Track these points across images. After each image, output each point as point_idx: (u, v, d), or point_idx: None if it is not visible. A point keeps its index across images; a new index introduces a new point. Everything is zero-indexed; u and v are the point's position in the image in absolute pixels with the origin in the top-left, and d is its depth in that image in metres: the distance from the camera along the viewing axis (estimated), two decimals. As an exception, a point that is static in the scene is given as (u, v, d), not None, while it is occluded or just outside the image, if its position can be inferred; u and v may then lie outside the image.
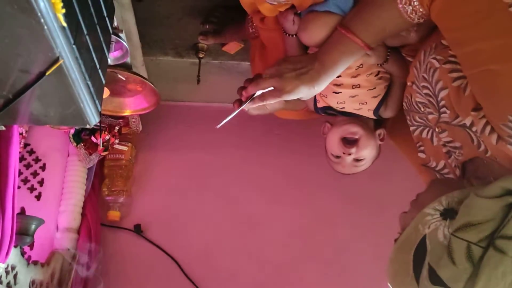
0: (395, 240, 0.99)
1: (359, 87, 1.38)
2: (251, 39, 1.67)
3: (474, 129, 0.95)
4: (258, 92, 1.28)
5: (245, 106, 1.30)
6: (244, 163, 2.50)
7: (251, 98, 1.23)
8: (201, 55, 2.08)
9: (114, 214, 2.29)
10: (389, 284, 0.99)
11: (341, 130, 1.46)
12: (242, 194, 2.44)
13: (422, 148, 1.18)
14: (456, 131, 1.01)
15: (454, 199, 0.92)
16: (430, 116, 1.09)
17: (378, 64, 1.33)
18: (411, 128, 1.20)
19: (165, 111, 2.47)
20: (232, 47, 2.02)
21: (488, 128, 0.90)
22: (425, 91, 1.06)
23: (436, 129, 1.09)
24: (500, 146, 0.88)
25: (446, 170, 1.12)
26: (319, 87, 1.14)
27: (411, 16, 0.99)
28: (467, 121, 0.96)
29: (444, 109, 1.02)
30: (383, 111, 1.44)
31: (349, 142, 1.47)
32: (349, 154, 1.46)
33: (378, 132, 1.50)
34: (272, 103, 1.39)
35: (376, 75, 1.38)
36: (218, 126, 1.33)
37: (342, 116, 1.52)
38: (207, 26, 1.90)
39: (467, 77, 0.93)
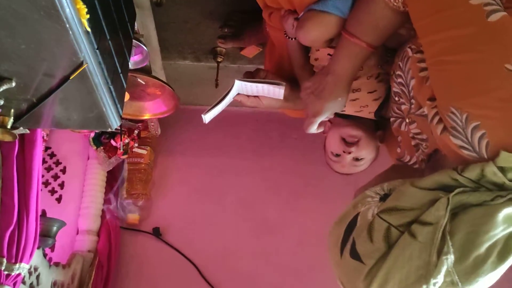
0: None
1: (360, 90, 1.37)
2: (268, 39, 1.68)
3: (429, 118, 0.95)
4: (254, 88, 1.33)
5: (238, 97, 1.37)
6: (262, 166, 2.51)
7: (231, 88, 1.30)
8: (219, 59, 2.08)
9: (133, 217, 2.31)
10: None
11: (342, 131, 1.46)
12: (260, 198, 2.44)
13: (401, 143, 1.18)
14: (421, 121, 1.01)
15: (396, 186, 0.94)
16: (403, 107, 1.08)
17: (378, 66, 1.32)
18: (391, 120, 1.19)
19: (183, 115, 2.47)
20: (251, 51, 2.02)
21: (436, 118, 0.90)
22: (399, 79, 1.06)
23: (407, 120, 1.08)
24: (443, 137, 0.88)
25: (417, 165, 1.11)
26: (343, 96, 1.18)
27: (395, 4, 0.99)
28: (426, 111, 0.96)
29: (413, 99, 1.02)
30: (384, 112, 1.43)
31: (348, 141, 1.46)
32: (349, 153, 1.46)
33: (378, 133, 1.49)
34: (268, 101, 1.41)
35: (377, 77, 1.37)
36: (206, 118, 1.36)
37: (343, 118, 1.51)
38: (226, 30, 1.91)
39: (427, 66, 0.94)
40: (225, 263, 2.29)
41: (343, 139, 1.46)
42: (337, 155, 1.49)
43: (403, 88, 1.05)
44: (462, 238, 0.79)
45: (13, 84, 0.90)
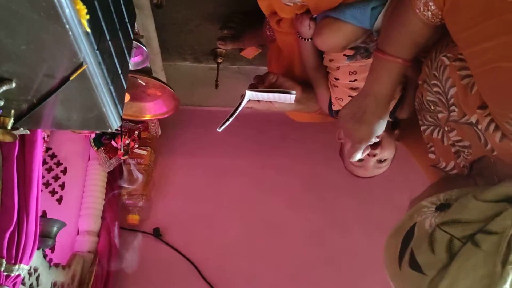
0: None
1: None
2: (269, 42, 1.68)
3: (479, 127, 0.95)
4: (265, 97, 1.32)
5: (249, 104, 1.37)
6: (261, 167, 2.51)
7: (242, 98, 1.31)
8: (219, 60, 2.09)
9: (133, 218, 2.31)
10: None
11: None
12: (259, 198, 2.44)
13: (432, 148, 1.17)
14: (464, 129, 1.01)
15: (452, 196, 0.92)
16: (440, 115, 1.08)
17: None
18: (422, 128, 1.19)
19: (183, 116, 2.49)
20: (250, 52, 2.03)
21: (492, 126, 0.90)
22: (435, 89, 1.06)
23: (446, 128, 1.08)
24: (504, 144, 0.87)
25: (455, 171, 1.10)
26: (385, 117, 1.16)
27: (433, 20, 1.00)
28: (473, 119, 0.96)
29: (453, 107, 1.02)
30: (398, 113, 1.43)
31: (372, 144, 1.46)
32: (374, 156, 1.45)
33: (395, 132, 1.49)
34: (280, 104, 1.40)
35: None
36: (220, 129, 1.36)
37: None
38: (226, 32, 1.92)
39: (473, 75, 0.93)
40: (225, 264, 2.29)
41: None
42: (360, 160, 1.48)
43: (440, 97, 1.04)
44: None
45: (13, 85, 0.90)
